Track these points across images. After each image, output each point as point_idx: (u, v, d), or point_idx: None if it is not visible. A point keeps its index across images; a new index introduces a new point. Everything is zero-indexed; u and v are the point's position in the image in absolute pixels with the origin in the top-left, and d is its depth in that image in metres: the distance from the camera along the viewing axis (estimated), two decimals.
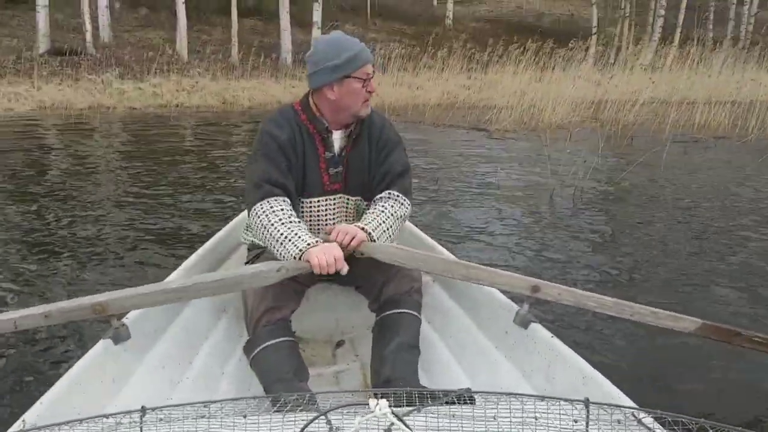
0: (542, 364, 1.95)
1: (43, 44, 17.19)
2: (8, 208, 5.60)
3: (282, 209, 2.11)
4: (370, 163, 2.30)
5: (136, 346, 1.98)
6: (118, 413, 1.33)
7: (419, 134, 10.47)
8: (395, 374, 2.04)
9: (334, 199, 2.30)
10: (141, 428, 1.29)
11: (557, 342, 1.92)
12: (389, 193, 2.28)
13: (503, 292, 2.24)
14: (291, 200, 2.16)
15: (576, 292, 2.02)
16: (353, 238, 2.06)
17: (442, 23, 25.83)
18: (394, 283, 2.21)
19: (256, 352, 2.04)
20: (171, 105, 15.01)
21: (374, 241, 2.13)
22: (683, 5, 23.68)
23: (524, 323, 2.06)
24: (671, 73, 14.37)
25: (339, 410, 1.23)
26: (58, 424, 1.31)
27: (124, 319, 1.95)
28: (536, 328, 2.04)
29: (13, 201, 5.84)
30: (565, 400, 1.31)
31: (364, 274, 2.25)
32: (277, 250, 2.06)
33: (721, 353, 2.64)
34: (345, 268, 2.01)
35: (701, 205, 5.89)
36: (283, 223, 2.07)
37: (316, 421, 1.22)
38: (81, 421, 1.32)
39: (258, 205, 2.12)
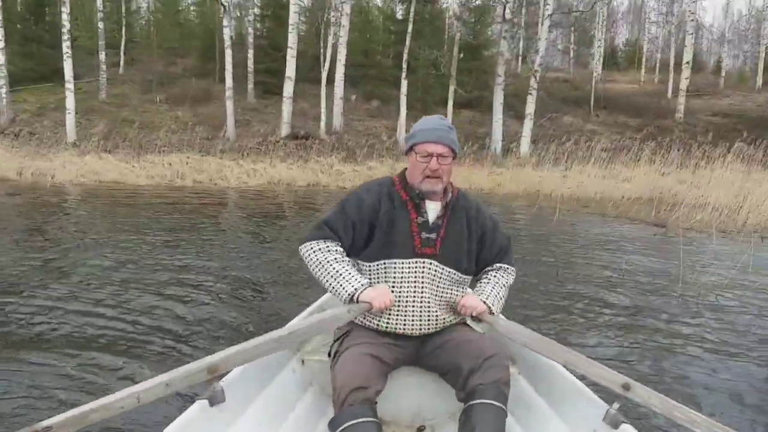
0: None
1: (284, 129, 19.91)
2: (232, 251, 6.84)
3: (337, 250, 2.36)
4: (468, 240, 2.47)
5: (229, 409, 2.05)
6: None
7: (586, 225, 10.23)
8: None
9: (425, 264, 2.37)
10: None
11: None
12: (500, 265, 2.55)
13: (592, 388, 2.20)
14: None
15: (666, 401, 1.91)
16: (476, 309, 2.37)
17: (672, 116, 24.61)
18: (481, 373, 2.21)
19: (340, 429, 2.07)
20: None
21: (492, 313, 2.39)
22: None
23: (615, 423, 1.99)
24: None
25: None
26: None
27: (221, 382, 2.04)
28: (627, 429, 1.95)
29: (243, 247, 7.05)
30: None
31: (450, 361, 2.33)
32: (331, 285, 2.31)
33: None
34: (393, 298, 2.32)
35: None
36: (337, 261, 2.33)
37: None
38: None
39: (315, 241, 2.37)
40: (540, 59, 20.15)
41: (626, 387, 1.94)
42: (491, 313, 2.39)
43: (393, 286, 2.36)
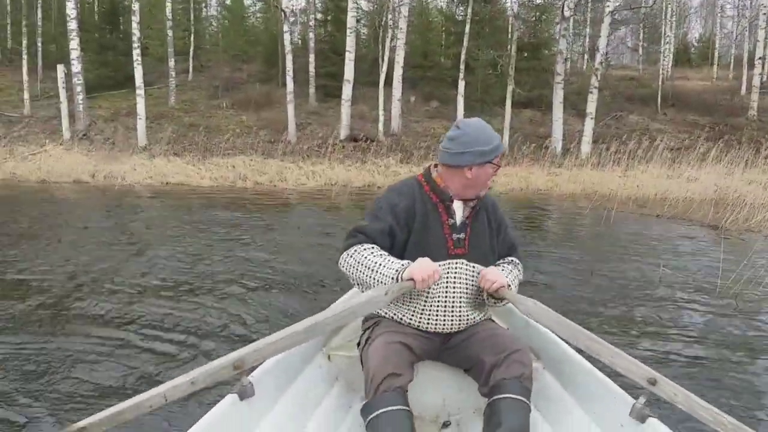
0: None
1: (343, 132, 20.23)
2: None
3: (373, 247, 2.31)
4: (491, 235, 2.54)
5: (259, 403, 2.08)
6: None
7: (637, 225, 10.07)
8: None
9: (457, 264, 2.40)
10: None
11: None
12: (511, 259, 2.61)
13: (618, 382, 2.19)
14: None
15: (692, 399, 1.82)
16: (495, 282, 2.35)
17: (745, 114, 23.58)
18: (504, 368, 2.23)
19: (374, 415, 2.08)
20: None
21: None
22: None
23: (641, 417, 1.97)
24: None
25: None
26: None
27: (250, 377, 2.06)
28: (654, 423, 1.93)
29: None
30: None
31: (473, 356, 2.36)
32: (374, 278, 2.24)
33: None
34: (440, 270, 2.27)
35: None
36: (374, 255, 2.28)
37: None
38: None
39: (352, 248, 2.33)
40: (601, 57, 19.73)
41: (652, 382, 1.88)
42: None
43: (435, 287, 2.37)
